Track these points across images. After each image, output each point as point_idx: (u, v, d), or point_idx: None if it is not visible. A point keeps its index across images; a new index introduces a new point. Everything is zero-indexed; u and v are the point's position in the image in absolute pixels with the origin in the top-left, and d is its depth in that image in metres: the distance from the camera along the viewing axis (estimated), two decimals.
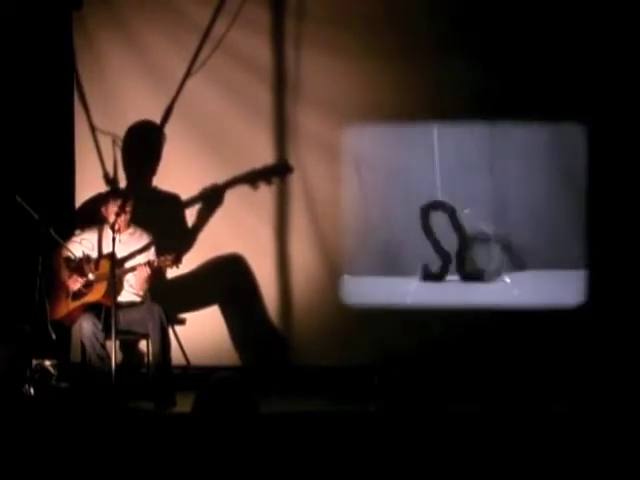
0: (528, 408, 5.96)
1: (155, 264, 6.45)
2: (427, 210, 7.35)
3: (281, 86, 7.42)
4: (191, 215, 7.41)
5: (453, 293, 7.35)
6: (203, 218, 7.39)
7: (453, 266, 7.38)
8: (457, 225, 7.34)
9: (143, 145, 7.45)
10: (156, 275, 6.61)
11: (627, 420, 5.40)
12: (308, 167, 7.40)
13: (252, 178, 7.36)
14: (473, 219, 7.35)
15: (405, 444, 4.75)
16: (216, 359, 7.16)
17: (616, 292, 7.09)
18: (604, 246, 7.13)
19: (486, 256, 7.35)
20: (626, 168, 7.11)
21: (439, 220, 7.36)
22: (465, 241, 7.36)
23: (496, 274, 7.33)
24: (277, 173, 7.39)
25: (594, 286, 7.16)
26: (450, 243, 7.38)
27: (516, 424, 5.33)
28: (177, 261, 6.46)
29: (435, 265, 7.38)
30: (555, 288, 7.25)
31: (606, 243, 7.13)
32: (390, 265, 7.41)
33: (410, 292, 7.37)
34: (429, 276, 7.37)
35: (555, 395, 6.47)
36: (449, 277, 7.39)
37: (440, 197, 7.37)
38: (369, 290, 7.40)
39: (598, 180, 7.17)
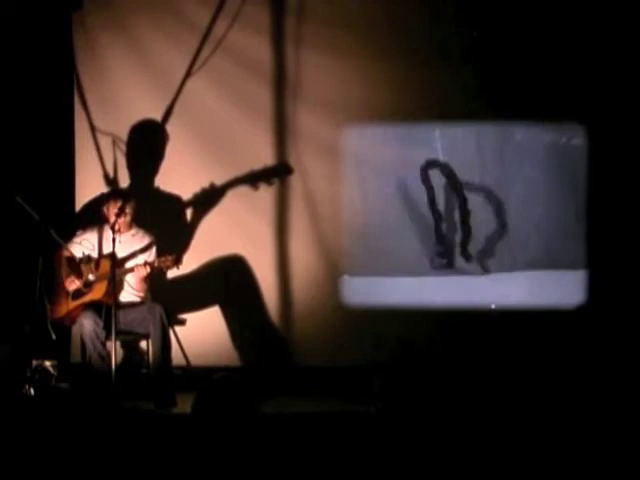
0: (528, 408, 5.96)
1: (155, 264, 6.45)
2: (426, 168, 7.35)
3: (281, 86, 7.42)
4: (191, 215, 7.41)
5: (453, 293, 7.35)
6: (202, 218, 7.39)
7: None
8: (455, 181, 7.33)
9: (146, 144, 7.45)
10: (152, 276, 6.60)
11: (627, 420, 5.40)
12: (308, 167, 7.40)
13: (252, 179, 7.36)
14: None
15: (405, 444, 4.75)
16: (216, 359, 7.16)
17: (616, 293, 7.09)
18: (604, 246, 7.13)
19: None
20: (626, 168, 7.12)
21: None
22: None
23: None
24: (277, 174, 7.39)
25: (594, 287, 7.16)
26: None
27: (516, 424, 5.33)
28: (177, 262, 6.47)
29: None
30: (555, 288, 7.25)
31: (606, 243, 7.13)
32: (390, 265, 7.41)
33: (410, 292, 7.37)
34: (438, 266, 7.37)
35: (555, 395, 6.46)
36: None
37: (440, 197, 7.37)
38: (369, 290, 7.40)
39: (598, 180, 7.18)
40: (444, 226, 7.36)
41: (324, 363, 7.18)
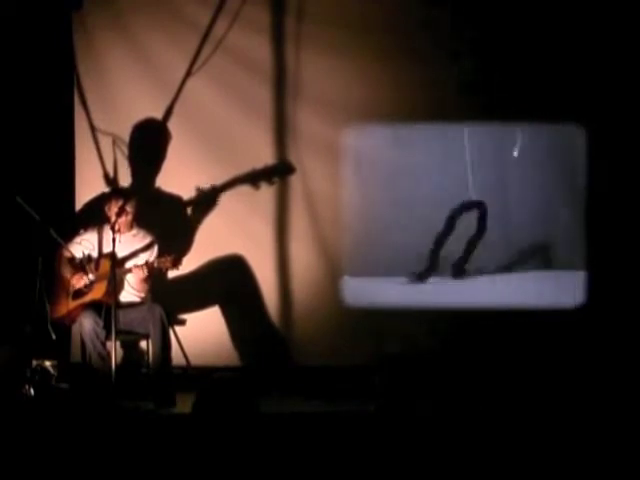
0: (528, 408, 5.96)
1: (155, 265, 6.44)
2: (459, 212, 7.35)
3: (281, 86, 7.42)
4: (192, 216, 7.41)
5: (453, 293, 7.35)
6: (203, 219, 7.38)
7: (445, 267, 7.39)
8: (483, 225, 7.33)
9: (147, 144, 7.45)
10: (153, 276, 6.59)
11: (627, 420, 5.40)
12: (308, 167, 7.40)
13: (253, 178, 7.36)
14: None
15: (405, 444, 4.75)
16: (216, 359, 7.16)
17: (616, 293, 7.09)
18: (604, 247, 7.13)
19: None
20: (626, 169, 7.12)
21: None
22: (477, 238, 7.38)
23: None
24: (279, 173, 7.39)
25: (594, 287, 7.16)
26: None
27: (516, 424, 5.33)
28: (177, 262, 6.46)
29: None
30: (555, 288, 7.25)
31: (606, 244, 7.13)
32: (390, 265, 7.41)
33: (410, 292, 7.37)
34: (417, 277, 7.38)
35: (555, 395, 6.46)
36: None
37: (440, 197, 7.36)
38: (369, 290, 7.40)
39: (598, 181, 7.18)
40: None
41: (324, 363, 7.18)
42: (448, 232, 7.32)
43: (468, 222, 7.34)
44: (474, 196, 7.35)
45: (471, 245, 7.35)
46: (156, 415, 6.22)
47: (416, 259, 7.38)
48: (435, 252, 7.32)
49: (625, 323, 7.05)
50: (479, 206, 7.32)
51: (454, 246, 7.36)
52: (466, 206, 7.33)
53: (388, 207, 7.39)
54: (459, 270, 7.37)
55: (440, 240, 7.32)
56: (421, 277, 7.35)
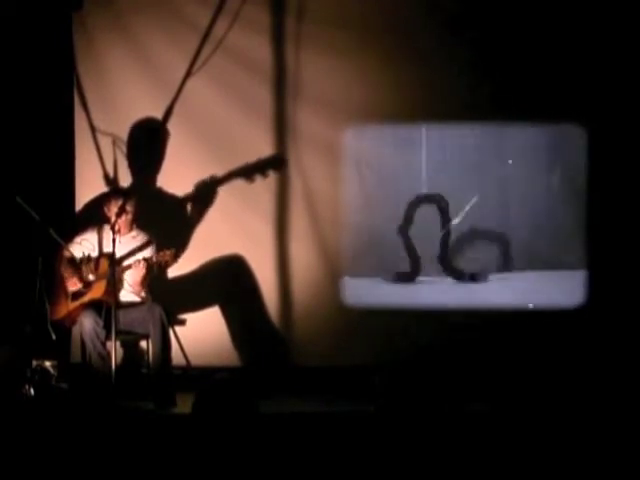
0: (528, 408, 5.95)
1: (154, 259, 6.43)
2: (415, 205, 7.35)
3: (281, 86, 7.42)
4: (191, 215, 7.41)
5: (453, 293, 7.35)
6: (200, 215, 7.38)
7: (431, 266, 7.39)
8: (446, 219, 7.33)
9: (147, 143, 7.44)
10: (151, 275, 6.58)
11: (627, 421, 5.40)
12: (308, 167, 7.40)
13: (246, 172, 7.35)
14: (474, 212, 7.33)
15: (406, 445, 4.75)
16: (216, 359, 7.16)
17: (616, 293, 7.09)
18: (604, 247, 7.13)
19: (477, 253, 7.38)
20: (626, 169, 7.12)
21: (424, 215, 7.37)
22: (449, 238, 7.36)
23: (484, 275, 7.37)
24: (271, 166, 7.38)
25: (594, 287, 7.16)
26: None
27: (516, 424, 5.33)
28: (176, 257, 6.47)
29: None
30: (555, 288, 7.25)
31: (606, 244, 7.13)
32: (390, 265, 7.41)
33: (410, 292, 7.37)
34: (401, 277, 7.39)
35: (555, 396, 6.46)
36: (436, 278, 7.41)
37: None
38: (369, 290, 7.40)
39: (598, 180, 7.18)
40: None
41: (324, 363, 7.18)
42: (408, 225, 7.33)
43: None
44: (476, 196, 7.35)
45: (443, 241, 7.38)
46: (156, 415, 6.22)
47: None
48: (410, 248, 7.34)
49: (625, 323, 7.05)
50: (438, 201, 7.33)
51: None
52: (422, 199, 7.35)
53: (388, 207, 7.39)
54: (450, 268, 7.38)
55: (405, 234, 7.34)
56: (403, 277, 7.38)
